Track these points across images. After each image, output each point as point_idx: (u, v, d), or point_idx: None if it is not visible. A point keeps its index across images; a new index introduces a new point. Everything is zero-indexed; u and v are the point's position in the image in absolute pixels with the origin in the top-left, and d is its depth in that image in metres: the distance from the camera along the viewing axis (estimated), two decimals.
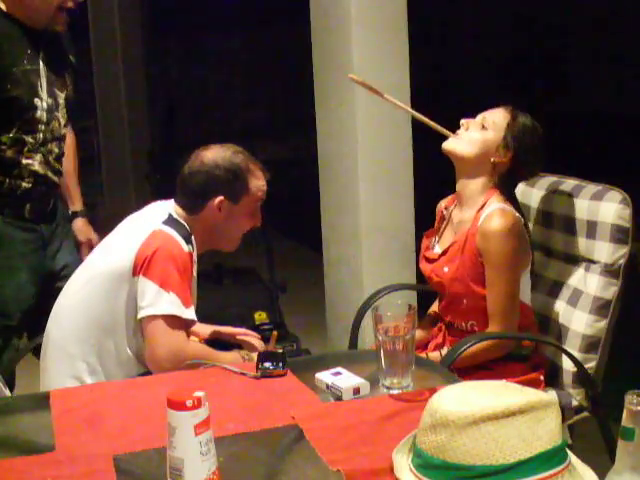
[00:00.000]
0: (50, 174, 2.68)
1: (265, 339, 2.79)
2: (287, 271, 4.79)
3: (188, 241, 2.25)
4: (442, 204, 2.60)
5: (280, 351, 1.99)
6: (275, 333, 2.58)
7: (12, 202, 2.62)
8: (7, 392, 2.18)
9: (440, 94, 9.88)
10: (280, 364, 1.94)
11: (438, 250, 2.49)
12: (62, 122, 2.70)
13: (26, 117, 2.56)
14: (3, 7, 2.56)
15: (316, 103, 3.59)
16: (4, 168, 2.58)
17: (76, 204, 2.99)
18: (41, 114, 2.59)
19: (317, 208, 3.68)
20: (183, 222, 2.29)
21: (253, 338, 2.54)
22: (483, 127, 2.41)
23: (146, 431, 1.65)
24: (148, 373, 2.21)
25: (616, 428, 1.27)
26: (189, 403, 1.34)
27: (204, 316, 2.73)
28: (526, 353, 2.42)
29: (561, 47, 10.32)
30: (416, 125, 3.38)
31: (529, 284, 2.44)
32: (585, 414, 2.42)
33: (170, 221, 2.26)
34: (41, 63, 2.60)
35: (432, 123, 2.46)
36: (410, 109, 2.65)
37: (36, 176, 2.62)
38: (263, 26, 10.16)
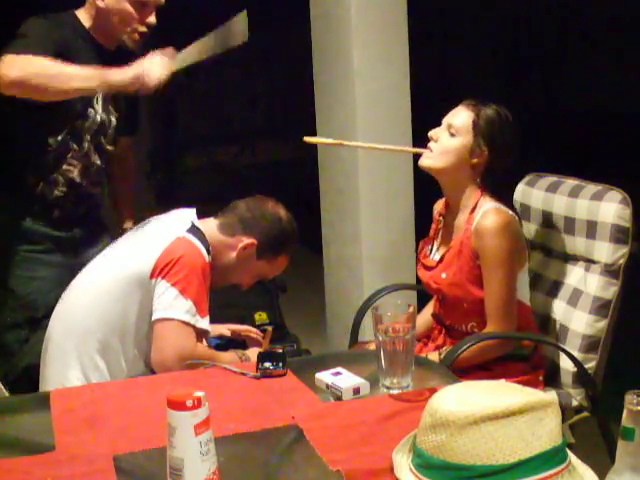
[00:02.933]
0: (87, 184, 2.70)
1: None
2: (287, 271, 4.79)
3: (209, 252, 2.27)
4: (436, 209, 2.58)
5: (280, 351, 1.99)
6: (269, 329, 2.58)
7: (41, 206, 2.64)
8: (6, 393, 2.18)
9: (440, 94, 9.88)
10: (280, 364, 1.94)
11: (436, 257, 2.49)
12: (110, 139, 2.72)
13: (76, 124, 2.61)
14: (86, 24, 2.64)
15: (316, 103, 3.59)
16: (42, 172, 2.62)
17: (127, 223, 3.00)
18: (90, 125, 2.63)
19: (317, 208, 3.68)
20: (205, 233, 2.30)
21: (255, 334, 2.59)
22: (451, 134, 2.36)
23: (146, 431, 1.65)
24: (151, 373, 2.22)
25: (616, 428, 1.27)
26: (189, 403, 1.34)
27: None
28: (526, 353, 2.42)
29: (561, 46, 10.32)
30: (416, 125, 3.39)
31: (527, 283, 2.44)
32: (585, 414, 2.42)
33: (193, 230, 2.27)
34: None
35: (401, 148, 2.45)
36: (376, 145, 2.64)
37: (71, 184, 2.65)
38: (263, 26, 10.18)
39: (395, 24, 3.35)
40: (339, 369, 1.89)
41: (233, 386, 1.91)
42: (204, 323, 2.21)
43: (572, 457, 1.38)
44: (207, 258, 2.24)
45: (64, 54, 2.45)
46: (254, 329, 2.61)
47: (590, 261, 2.45)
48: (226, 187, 7.81)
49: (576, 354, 2.39)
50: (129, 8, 2.59)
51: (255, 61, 10.73)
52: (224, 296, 3.01)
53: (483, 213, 2.31)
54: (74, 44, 2.58)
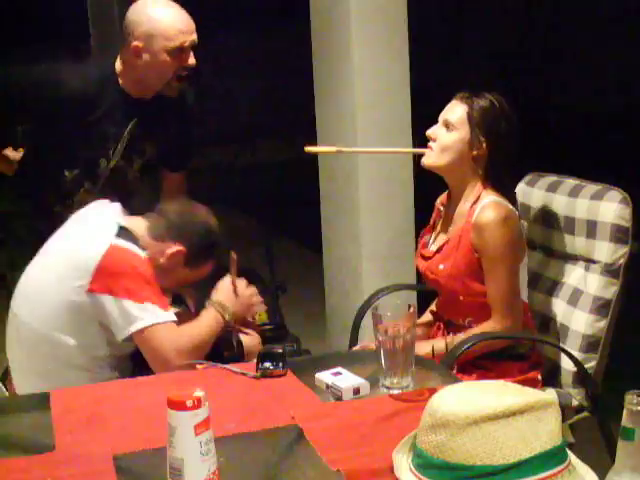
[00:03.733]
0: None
1: (265, 339, 2.79)
2: (287, 271, 4.79)
3: (143, 248, 2.24)
4: (439, 200, 2.59)
5: (280, 351, 1.99)
6: (233, 255, 2.47)
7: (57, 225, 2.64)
8: (6, 393, 2.18)
9: (440, 94, 9.87)
10: (280, 364, 1.94)
11: (433, 247, 2.49)
12: (130, 178, 2.76)
13: (89, 168, 2.68)
14: (120, 80, 2.65)
15: (316, 103, 3.59)
16: (61, 195, 2.68)
17: None
18: (103, 171, 2.70)
19: (317, 208, 3.67)
20: (133, 234, 2.26)
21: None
22: (448, 129, 2.36)
23: (146, 431, 1.65)
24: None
25: (616, 428, 1.27)
26: (189, 403, 1.34)
27: None
28: (523, 351, 2.42)
29: (561, 45, 10.32)
30: (416, 125, 3.39)
31: (525, 280, 2.44)
32: (585, 414, 2.42)
33: (122, 233, 2.23)
34: (129, 127, 2.66)
35: (402, 150, 2.45)
36: (375, 149, 2.62)
37: (78, 199, 2.67)
38: (263, 26, 10.16)
39: (395, 23, 3.34)
40: (339, 369, 1.89)
41: (233, 386, 1.91)
42: (168, 316, 2.19)
43: (572, 457, 1.38)
44: (142, 254, 2.22)
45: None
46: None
47: (590, 261, 2.44)
48: (226, 187, 7.81)
49: (576, 354, 2.39)
50: (168, 59, 2.56)
51: (255, 61, 10.73)
52: None
53: (482, 207, 2.31)
54: (98, 97, 2.63)
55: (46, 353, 2.23)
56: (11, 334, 2.32)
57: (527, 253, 2.56)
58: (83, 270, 2.16)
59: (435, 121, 2.43)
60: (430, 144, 2.40)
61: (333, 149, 2.73)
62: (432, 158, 2.39)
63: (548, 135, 8.31)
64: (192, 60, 2.60)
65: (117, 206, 2.35)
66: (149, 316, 2.15)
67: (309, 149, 2.62)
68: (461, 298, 2.39)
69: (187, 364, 2.09)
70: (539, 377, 2.41)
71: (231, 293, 2.38)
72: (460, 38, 10.59)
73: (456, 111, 2.37)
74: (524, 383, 2.16)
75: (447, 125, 2.37)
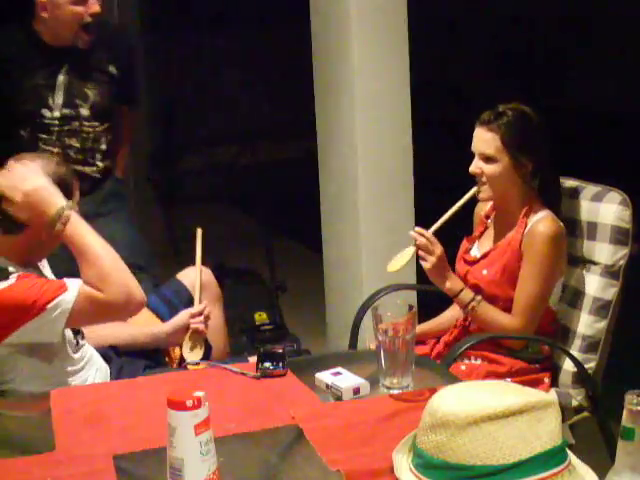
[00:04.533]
0: (71, 165, 2.79)
1: (265, 340, 2.80)
2: (287, 271, 4.79)
3: (4, 278, 2.05)
4: (482, 212, 2.61)
5: (280, 351, 1.99)
6: (199, 230, 2.53)
7: None
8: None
9: (440, 94, 9.88)
10: (280, 364, 1.94)
11: (477, 253, 2.51)
12: (86, 123, 2.97)
13: (37, 121, 2.90)
14: (40, 35, 2.93)
15: (316, 103, 3.59)
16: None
17: (118, 172, 3.30)
18: (50, 121, 2.91)
19: (317, 208, 3.67)
20: None
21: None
22: (488, 162, 2.37)
23: (146, 431, 1.65)
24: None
25: (616, 428, 1.27)
26: (189, 403, 1.34)
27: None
28: (540, 358, 2.45)
29: (562, 46, 10.32)
30: (416, 125, 3.39)
31: (559, 293, 2.46)
32: (585, 414, 2.42)
33: None
34: (61, 77, 2.93)
35: (454, 208, 2.42)
36: (449, 213, 2.49)
37: None
38: (263, 26, 10.16)
39: (395, 24, 3.35)
40: (339, 369, 1.89)
41: (233, 386, 1.91)
42: (72, 284, 2.06)
43: (572, 457, 1.38)
44: (7, 283, 2.03)
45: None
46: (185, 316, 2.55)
47: (590, 262, 2.45)
48: (226, 187, 7.80)
49: (576, 354, 2.39)
50: (71, 9, 2.81)
51: (255, 61, 10.73)
52: (225, 296, 3.02)
53: (540, 218, 2.35)
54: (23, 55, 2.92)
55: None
56: None
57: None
58: None
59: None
60: (478, 180, 2.41)
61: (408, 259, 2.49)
62: (487, 193, 2.41)
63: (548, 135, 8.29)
64: (95, 7, 2.84)
65: None
66: (65, 300, 2.03)
67: (391, 268, 2.47)
68: (500, 304, 2.41)
69: (187, 364, 2.08)
70: (546, 380, 2.42)
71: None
72: (460, 38, 10.59)
73: (489, 142, 2.35)
74: (531, 383, 2.20)
75: (486, 159, 2.37)
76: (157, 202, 6.90)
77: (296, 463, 1.53)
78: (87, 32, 2.89)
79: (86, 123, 2.98)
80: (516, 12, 10.18)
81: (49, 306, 2.02)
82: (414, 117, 3.39)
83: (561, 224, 2.37)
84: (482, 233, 2.57)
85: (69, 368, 2.20)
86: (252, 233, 5.53)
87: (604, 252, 2.39)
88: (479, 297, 2.40)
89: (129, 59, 3.25)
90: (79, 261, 2.11)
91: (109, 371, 2.36)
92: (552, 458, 1.32)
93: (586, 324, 2.41)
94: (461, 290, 2.40)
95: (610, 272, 2.39)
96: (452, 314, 2.64)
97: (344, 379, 1.84)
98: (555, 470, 1.32)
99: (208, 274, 2.75)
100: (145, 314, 2.46)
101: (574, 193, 2.50)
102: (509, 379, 2.31)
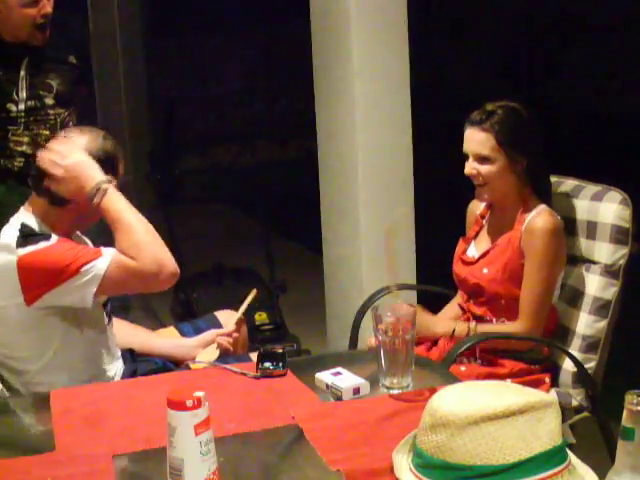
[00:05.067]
0: None
1: (265, 339, 2.80)
2: (287, 271, 4.79)
3: (45, 238, 2.14)
4: (475, 210, 2.61)
5: (280, 351, 1.99)
6: (255, 291, 2.50)
7: (14, 176, 2.93)
8: (6, 393, 2.18)
9: (440, 93, 9.88)
10: (280, 364, 1.94)
11: (475, 253, 2.51)
12: (51, 111, 3.02)
13: (2, 116, 2.95)
14: None
15: (316, 103, 3.59)
16: None
17: None
18: (17, 114, 2.96)
19: (317, 208, 3.67)
20: (38, 224, 2.20)
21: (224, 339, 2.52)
22: (483, 162, 2.37)
23: (146, 431, 1.65)
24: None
25: (616, 428, 1.27)
26: (189, 403, 1.35)
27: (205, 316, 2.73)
28: (541, 357, 2.45)
29: (561, 46, 10.32)
30: (416, 125, 3.39)
31: (559, 289, 2.46)
32: (585, 414, 2.42)
33: (24, 239, 2.14)
34: (22, 72, 2.98)
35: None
36: None
37: (25, 156, 2.93)
38: (263, 26, 10.16)
39: (395, 24, 3.34)
40: (339, 369, 1.89)
41: (233, 386, 1.91)
42: (107, 251, 2.12)
43: (572, 457, 1.38)
44: (49, 242, 2.12)
45: None
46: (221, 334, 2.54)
47: (590, 262, 2.45)
48: (226, 187, 7.81)
49: (576, 354, 2.39)
50: (22, 11, 2.86)
51: (255, 60, 10.73)
52: (224, 296, 3.02)
53: (537, 213, 2.36)
54: None
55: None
56: None
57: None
58: (10, 292, 2.12)
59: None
60: (476, 183, 2.41)
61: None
62: (486, 195, 2.43)
63: (548, 135, 8.31)
64: (46, 9, 2.89)
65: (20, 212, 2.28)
66: (96, 267, 2.09)
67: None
68: (503, 302, 2.42)
69: (188, 364, 2.07)
70: (547, 380, 2.43)
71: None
72: (460, 38, 10.59)
73: (483, 142, 2.35)
74: (531, 383, 2.20)
75: (481, 159, 2.37)
76: (157, 202, 6.90)
77: (296, 463, 1.54)
78: (41, 31, 2.93)
79: (51, 111, 3.03)
80: (516, 12, 10.18)
81: (83, 269, 2.08)
82: (414, 117, 3.39)
83: (558, 217, 2.37)
84: (477, 233, 2.57)
85: (102, 350, 2.29)
86: (252, 233, 5.53)
87: (604, 251, 2.39)
88: (473, 324, 2.42)
89: (85, 46, 3.37)
90: (114, 231, 2.18)
91: (122, 370, 2.36)
92: (552, 458, 1.32)
93: (586, 324, 2.41)
94: (454, 330, 2.40)
95: (610, 271, 2.39)
96: (453, 307, 2.65)
97: (344, 379, 1.84)
98: (555, 470, 1.32)
99: (244, 327, 2.70)
100: (171, 332, 2.53)
101: (574, 192, 2.50)
102: (509, 380, 2.31)
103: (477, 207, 2.62)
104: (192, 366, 2.30)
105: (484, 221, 2.58)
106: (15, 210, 2.78)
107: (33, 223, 2.21)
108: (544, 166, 2.45)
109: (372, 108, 3.31)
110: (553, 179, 2.61)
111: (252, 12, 9.83)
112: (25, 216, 2.24)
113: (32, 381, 2.20)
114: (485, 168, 2.37)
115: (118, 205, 2.19)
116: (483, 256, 2.48)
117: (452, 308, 2.65)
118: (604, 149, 7.62)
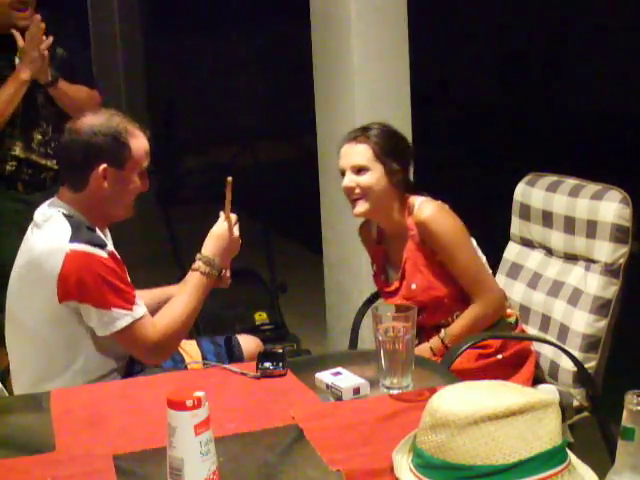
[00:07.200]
0: (35, 157, 2.99)
1: (265, 339, 2.79)
2: (287, 271, 4.79)
3: (100, 244, 2.14)
4: (369, 240, 2.64)
5: (280, 351, 1.99)
6: (229, 179, 2.33)
7: (3, 181, 2.97)
8: (6, 393, 2.18)
9: (440, 94, 9.88)
10: (280, 364, 1.94)
11: (394, 279, 2.52)
12: (43, 111, 2.99)
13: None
14: None
15: (316, 103, 3.59)
16: None
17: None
18: (14, 118, 2.91)
19: (317, 208, 3.68)
20: (77, 213, 2.19)
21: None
22: (360, 173, 2.40)
23: (146, 431, 1.65)
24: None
25: (616, 428, 1.27)
26: (189, 403, 1.35)
27: (205, 316, 2.73)
28: (512, 321, 2.48)
29: (561, 46, 10.33)
30: (416, 125, 3.39)
31: (484, 257, 2.50)
32: (585, 414, 2.42)
33: (75, 235, 2.12)
34: (12, 57, 2.93)
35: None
36: None
37: (18, 160, 2.96)
38: (263, 26, 10.17)
39: (395, 24, 3.35)
40: (339, 369, 1.89)
41: (233, 386, 1.91)
42: (140, 309, 2.14)
43: (572, 457, 1.38)
44: (104, 253, 2.13)
45: None
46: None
47: (590, 261, 2.45)
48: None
49: (576, 354, 2.39)
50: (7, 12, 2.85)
51: (255, 61, 10.73)
52: (224, 296, 3.02)
53: (418, 207, 2.41)
54: None
55: (40, 353, 2.21)
56: (10, 332, 2.30)
57: (527, 252, 2.65)
58: (45, 282, 2.11)
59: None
60: (353, 196, 2.43)
61: None
62: (364, 206, 2.42)
63: (548, 135, 8.32)
64: (26, 20, 2.87)
65: (56, 201, 2.26)
66: (122, 318, 2.11)
67: None
68: (446, 301, 2.44)
69: (187, 364, 2.08)
70: (532, 348, 2.47)
71: (219, 242, 2.35)
72: (460, 38, 10.60)
73: (361, 153, 2.41)
74: (521, 353, 2.33)
75: (358, 170, 2.40)
76: (157, 202, 6.91)
77: (296, 463, 1.53)
78: (20, 10, 2.88)
79: (43, 110, 2.98)
80: (516, 12, 10.18)
81: (114, 310, 2.10)
82: (414, 117, 3.39)
83: (438, 200, 2.42)
84: (384, 259, 2.58)
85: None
86: (252, 233, 5.53)
87: (604, 250, 2.39)
88: (442, 333, 2.43)
89: (75, 40, 3.22)
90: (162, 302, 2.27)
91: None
92: (552, 458, 1.32)
93: (586, 323, 2.41)
94: (431, 348, 2.41)
95: (610, 270, 2.39)
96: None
97: (344, 379, 1.84)
98: (555, 470, 1.32)
99: (258, 342, 2.65)
100: (194, 349, 2.49)
101: (574, 191, 2.50)
102: (500, 356, 2.38)
103: (368, 234, 2.64)
104: (190, 367, 2.30)
105: (383, 244, 2.59)
106: (7, 212, 2.82)
107: (71, 211, 2.18)
108: (411, 169, 2.52)
109: (372, 108, 3.32)
110: (553, 178, 2.61)
111: (252, 12, 9.83)
112: (60, 206, 2.20)
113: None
114: (363, 178, 2.40)
115: (192, 282, 2.24)
116: (403, 275, 2.48)
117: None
118: (604, 149, 7.62)
